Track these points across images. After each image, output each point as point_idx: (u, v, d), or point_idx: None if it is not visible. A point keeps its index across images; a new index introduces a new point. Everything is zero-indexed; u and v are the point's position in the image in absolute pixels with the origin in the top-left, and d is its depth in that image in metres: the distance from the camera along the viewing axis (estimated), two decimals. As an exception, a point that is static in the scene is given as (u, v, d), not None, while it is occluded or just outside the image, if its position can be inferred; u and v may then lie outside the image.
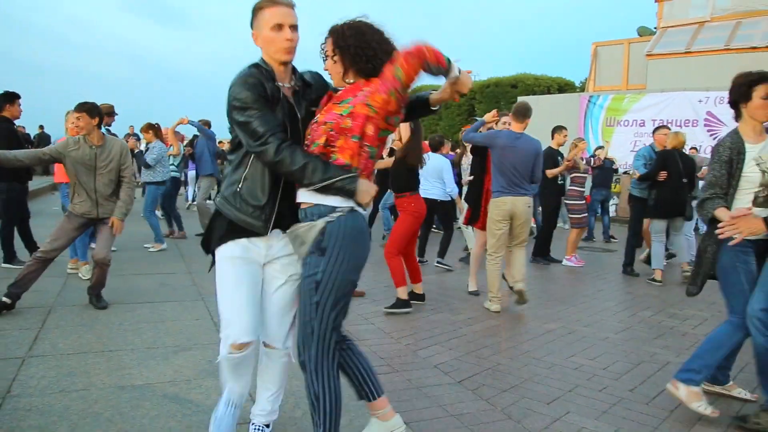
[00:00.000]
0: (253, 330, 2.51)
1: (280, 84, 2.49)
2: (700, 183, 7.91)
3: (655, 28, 18.68)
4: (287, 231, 2.50)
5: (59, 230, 5.08)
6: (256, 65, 2.48)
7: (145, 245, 8.32)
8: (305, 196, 2.43)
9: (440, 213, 8.01)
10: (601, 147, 11.82)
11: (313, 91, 2.62)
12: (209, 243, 2.62)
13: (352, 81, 2.47)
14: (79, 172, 5.04)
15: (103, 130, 7.79)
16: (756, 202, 3.22)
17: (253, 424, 2.85)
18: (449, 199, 7.68)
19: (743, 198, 3.29)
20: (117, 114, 8.18)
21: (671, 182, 7.11)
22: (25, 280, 4.95)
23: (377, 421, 2.70)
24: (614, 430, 3.22)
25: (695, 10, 17.44)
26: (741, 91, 3.38)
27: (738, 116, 3.47)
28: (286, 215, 2.52)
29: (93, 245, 7.65)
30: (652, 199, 7.25)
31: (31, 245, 6.99)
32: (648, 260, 7.83)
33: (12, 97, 6.73)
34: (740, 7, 16.55)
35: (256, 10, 2.47)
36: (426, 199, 6.37)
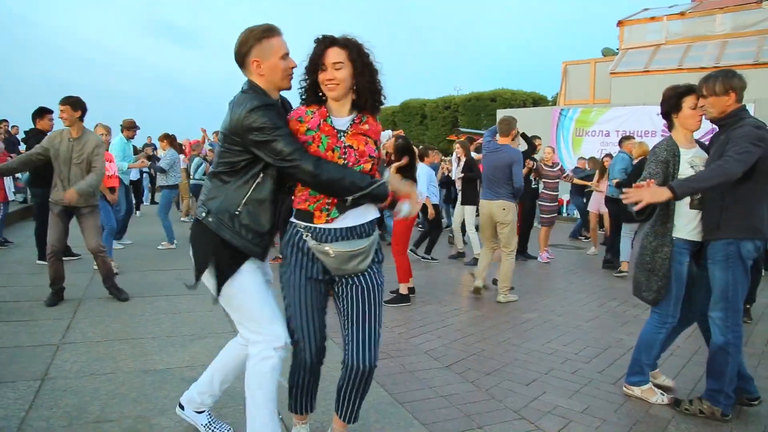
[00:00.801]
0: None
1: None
2: None
3: (618, 49, 18.79)
4: (342, 251, 2.24)
5: (50, 222, 4.93)
6: (255, 89, 2.28)
7: (158, 246, 8.25)
8: (350, 219, 2.27)
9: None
10: (583, 158, 11.86)
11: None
12: (221, 275, 2.38)
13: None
14: (57, 162, 4.85)
15: (125, 141, 7.82)
16: (692, 204, 3.18)
17: (208, 413, 2.75)
18: (438, 202, 7.73)
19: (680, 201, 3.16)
20: (138, 128, 8.15)
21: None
22: (55, 276, 4.94)
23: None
24: (585, 407, 3.24)
25: (651, 34, 17.61)
26: (671, 103, 3.32)
27: (671, 126, 3.38)
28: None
29: (118, 245, 7.72)
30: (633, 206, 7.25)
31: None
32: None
33: (42, 112, 6.71)
34: (690, 33, 16.74)
35: (259, 39, 2.26)
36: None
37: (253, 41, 2.27)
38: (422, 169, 7.41)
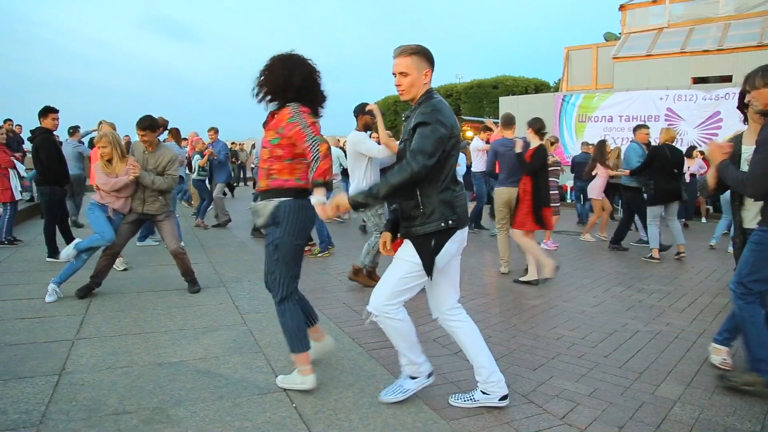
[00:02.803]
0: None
1: None
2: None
3: (620, 33, 18.70)
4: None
5: (121, 225, 5.20)
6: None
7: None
8: None
9: None
10: (587, 143, 11.89)
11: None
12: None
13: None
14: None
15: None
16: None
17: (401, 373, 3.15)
18: None
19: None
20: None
21: (665, 173, 7.25)
22: (101, 270, 5.18)
23: (314, 343, 3.38)
24: (592, 390, 3.31)
25: (654, 17, 17.52)
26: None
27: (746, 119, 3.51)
28: None
29: (152, 242, 8.00)
30: (651, 189, 7.35)
31: (70, 241, 7.04)
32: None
33: (46, 111, 6.76)
34: (693, 15, 16.64)
35: (432, 56, 2.85)
36: None
37: (431, 56, 2.90)
38: None
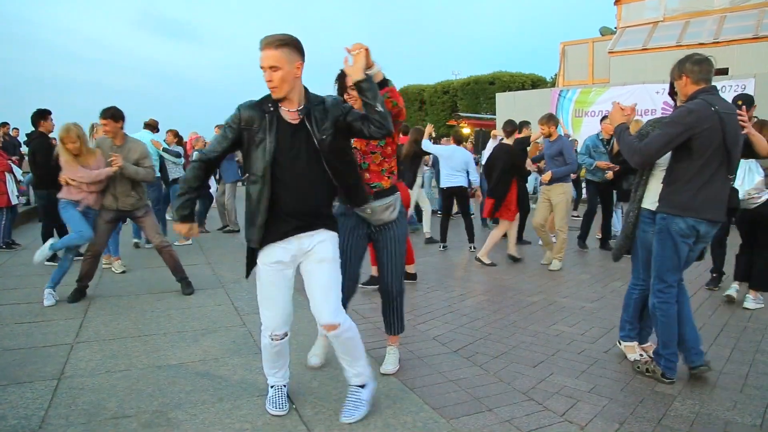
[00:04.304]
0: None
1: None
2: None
3: (616, 28, 18.70)
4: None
5: (97, 226, 5.16)
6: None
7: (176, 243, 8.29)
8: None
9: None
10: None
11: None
12: None
13: None
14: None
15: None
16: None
17: (350, 386, 2.92)
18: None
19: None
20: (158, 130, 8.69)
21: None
22: (86, 273, 5.17)
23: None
24: (592, 386, 3.30)
25: (649, 11, 17.53)
26: None
27: None
28: None
29: (136, 241, 7.92)
30: (628, 185, 7.22)
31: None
32: None
33: (45, 114, 6.75)
34: (688, 8, 16.65)
35: (302, 47, 2.61)
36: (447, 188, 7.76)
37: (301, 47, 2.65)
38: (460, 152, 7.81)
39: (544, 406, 3.05)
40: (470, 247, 7.83)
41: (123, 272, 6.32)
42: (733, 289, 5.15)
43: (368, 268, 5.35)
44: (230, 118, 2.66)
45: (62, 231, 6.96)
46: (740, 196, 4.73)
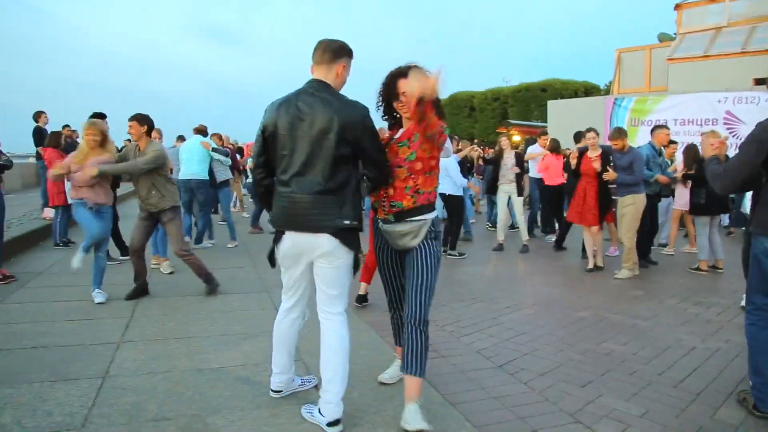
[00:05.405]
0: None
1: None
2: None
3: (675, 34, 18.10)
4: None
5: (134, 225, 5.40)
6: (339, 93, 2.79)
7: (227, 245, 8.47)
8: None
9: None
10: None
11: None
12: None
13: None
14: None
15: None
16: None
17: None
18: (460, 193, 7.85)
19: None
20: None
21: None
22: (136, 270, 5.35)
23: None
24: (644, 411, 3.14)
25: (712, 16, 16.87)
26: None
27: None
28: None
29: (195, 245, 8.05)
30: (703, 197, 6.91)
31: (120, 244, 7.23)
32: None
33: (100, 117, 6.95)
34: (755, 13, 15.94)
35: (351, 55, 2.81)
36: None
37: (350, 54, 2.80)
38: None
39: (592, 429, 2.91)
40: (445, 251, 7.60)
41: (171, 273, 6.45)
42: None
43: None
44: None
45: (114, 229, 7.16)
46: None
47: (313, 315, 2.98)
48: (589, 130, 7.15)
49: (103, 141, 5.26)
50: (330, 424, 2.72)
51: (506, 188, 8.42)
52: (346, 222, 2.69)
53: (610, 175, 6.57)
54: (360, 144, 2.67)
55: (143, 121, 5.29)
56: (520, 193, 8.43)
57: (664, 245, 8.54)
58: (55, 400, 3.06)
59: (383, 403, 3.07)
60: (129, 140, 8.44)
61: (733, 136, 13.25)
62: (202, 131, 8.67)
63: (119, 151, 6.73)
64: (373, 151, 2.73)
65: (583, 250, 7.74)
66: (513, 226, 9.37)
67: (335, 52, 2.74)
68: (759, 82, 14.46)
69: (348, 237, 2.73)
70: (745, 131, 13.25)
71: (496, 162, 8.63)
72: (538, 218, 10.20)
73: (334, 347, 2.79)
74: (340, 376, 2.77)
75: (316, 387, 3.21)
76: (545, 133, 9.66)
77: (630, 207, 6.59)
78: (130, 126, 5.28)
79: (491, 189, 8.87)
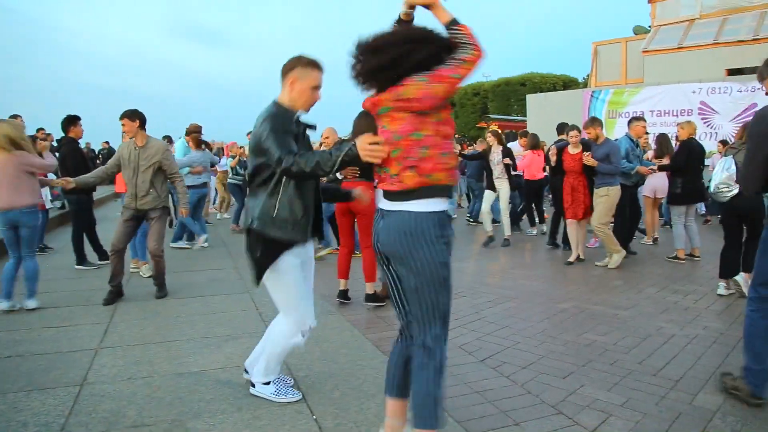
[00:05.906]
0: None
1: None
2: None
3: (650, 26, 18.30)
4: None
5: (118, 225, 5.34)
6: (276, 104, 2.78)
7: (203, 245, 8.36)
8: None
9: None
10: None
11: None
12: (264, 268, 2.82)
13: None
14: (126, 171, 5.29)
15: (186, 146, 8.19)
16: None
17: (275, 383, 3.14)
18: None
19: None
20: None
21: (694, 170, 6.94)
22: (114, 271, 5.29)
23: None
24: (625, 400, 3.16)
25: (685, 9, 17.10)
26: None
27: None
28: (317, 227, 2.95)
29: (171, 244, 7.94)
30: (679, 187, 6.95)
31: (98, 248, 7.12)
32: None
33: (75, 120, 6.84)
34: (726, 5, 16.17)
35: (305, 65, 2.75)
36: None
37: (300, 64, 2.76)
38: None
39: (574, 420, 2.92)
40: None
41: (150, 276, 6.37)
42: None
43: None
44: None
45: (92, 235, 7.07)
46: (711, 189, 4.97)
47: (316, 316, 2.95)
48: (573, 128, 7.17)
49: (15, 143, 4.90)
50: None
51: (496, 183, 8.39)
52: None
53: (591, 160, 6.61)
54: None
55: (134, 116, 5.27)
56: (513, 188, 8.38)
57: (643, 230, 8.58)
58: (30, 410, 2.99)
59: (365, 401, 3.06)
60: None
61: (707, 126, 13.47)
62: (191, 132, 8.51)
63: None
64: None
65: (565, 241, 7.80)
66: (495, 221, 9.35)
67: (282, 71, 2.81)
68: (731, 72, 14.69)
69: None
70: (719, 120, 13.52)
71: (484, 158, 8.57)
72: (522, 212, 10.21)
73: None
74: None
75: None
76: (525, 135, 9.67)
77: (604, 198, 6.65)
78: (122, 124, 5.27)
79: (490, 185, 8.51)
